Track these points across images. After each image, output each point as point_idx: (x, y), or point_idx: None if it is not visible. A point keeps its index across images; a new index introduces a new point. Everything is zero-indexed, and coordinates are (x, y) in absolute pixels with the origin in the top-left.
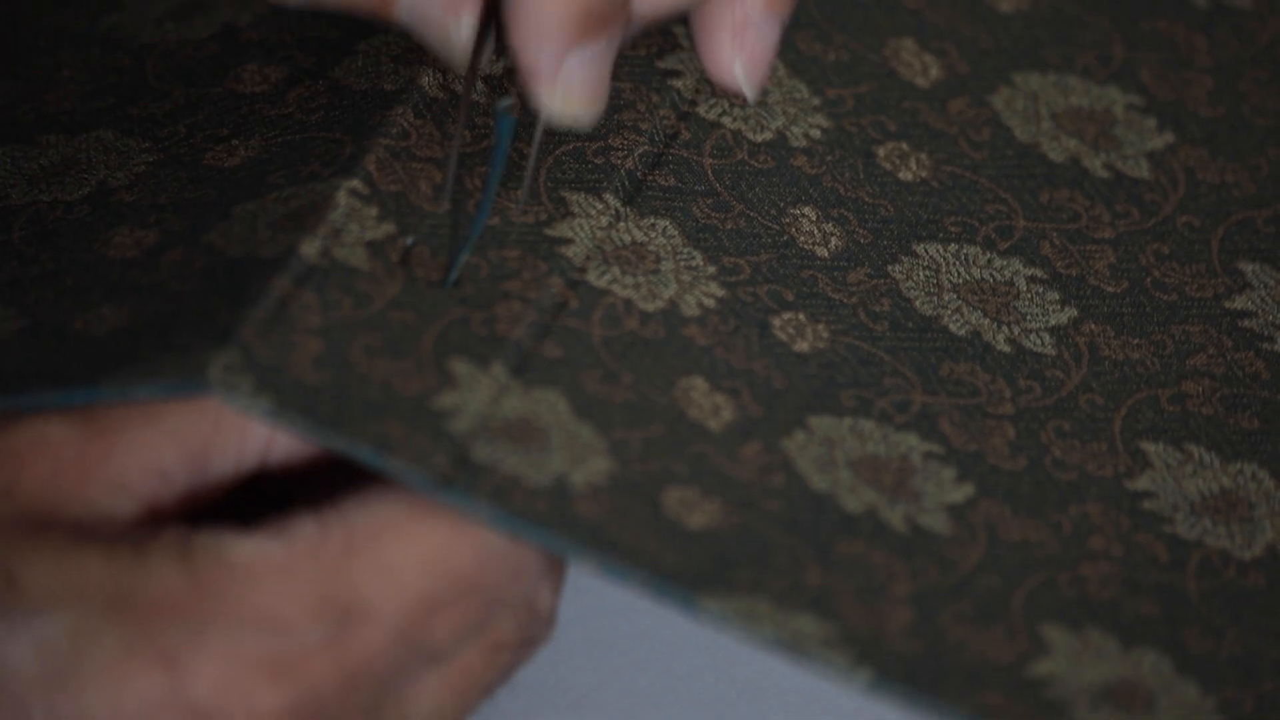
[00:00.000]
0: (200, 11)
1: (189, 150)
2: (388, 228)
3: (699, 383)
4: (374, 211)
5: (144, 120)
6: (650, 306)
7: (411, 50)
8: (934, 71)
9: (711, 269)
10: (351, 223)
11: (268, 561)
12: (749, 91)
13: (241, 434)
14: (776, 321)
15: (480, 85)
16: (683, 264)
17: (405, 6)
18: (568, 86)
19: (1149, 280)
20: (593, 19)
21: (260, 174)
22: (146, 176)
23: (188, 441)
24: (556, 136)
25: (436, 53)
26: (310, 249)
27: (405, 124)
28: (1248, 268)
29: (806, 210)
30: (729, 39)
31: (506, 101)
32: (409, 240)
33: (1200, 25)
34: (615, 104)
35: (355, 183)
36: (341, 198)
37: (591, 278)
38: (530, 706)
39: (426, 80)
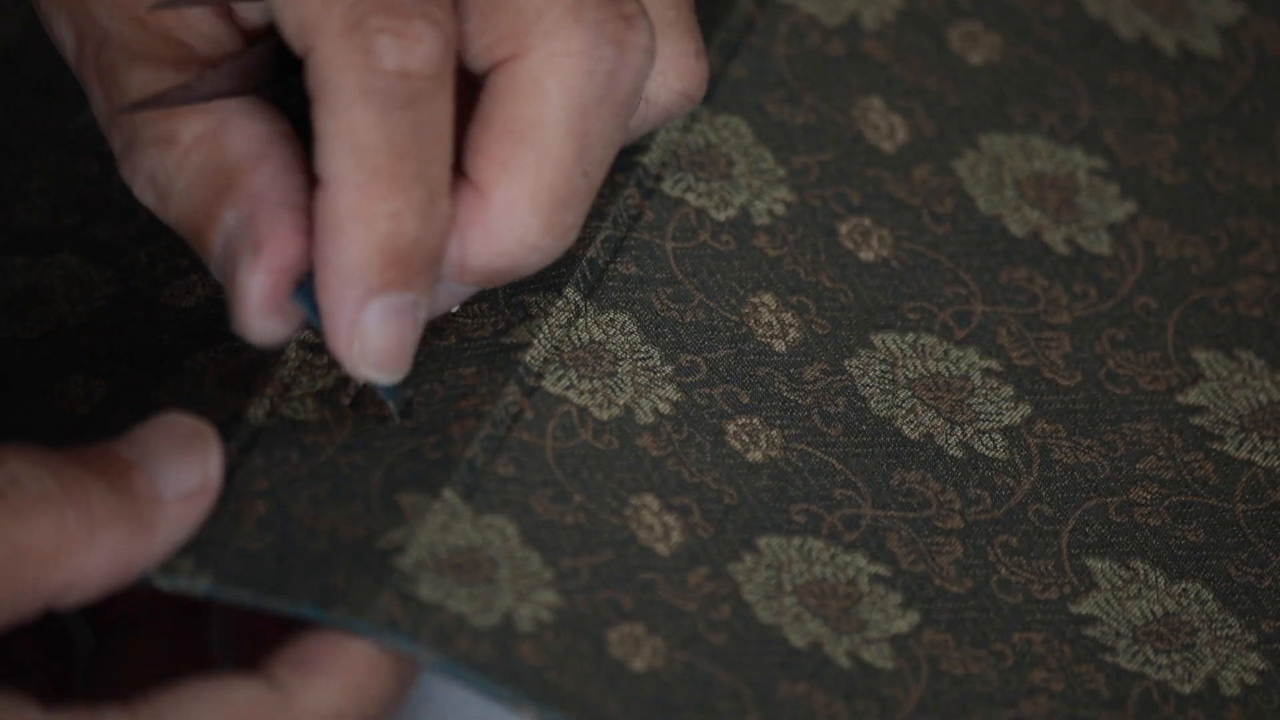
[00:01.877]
0: None
1: (148, 284)
2: (338, 372)
3: (650, 501)
4: (324, 359)
5: (107, 246)
6: (605, 414)
7: None
8: (900, 134)
9: (668, 368)
10: (301, 375)
11: None
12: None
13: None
14: (731, 427)
15: None
16: (640, 364)
17: (219, 246)
18: (364, 341)
19: (1103, 372)
20: (399, 267)
21: (214, 318)
22: (104, 314)
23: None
24: None
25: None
26: (257, 411)
27: None
28: (1201, 356)
29: (766, 298)
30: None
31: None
32: (360, 381)
33: (1168, 77)
34: None
35: (306, 333)
36: (291, 351)
37: (548, 384)
38: None
39: None
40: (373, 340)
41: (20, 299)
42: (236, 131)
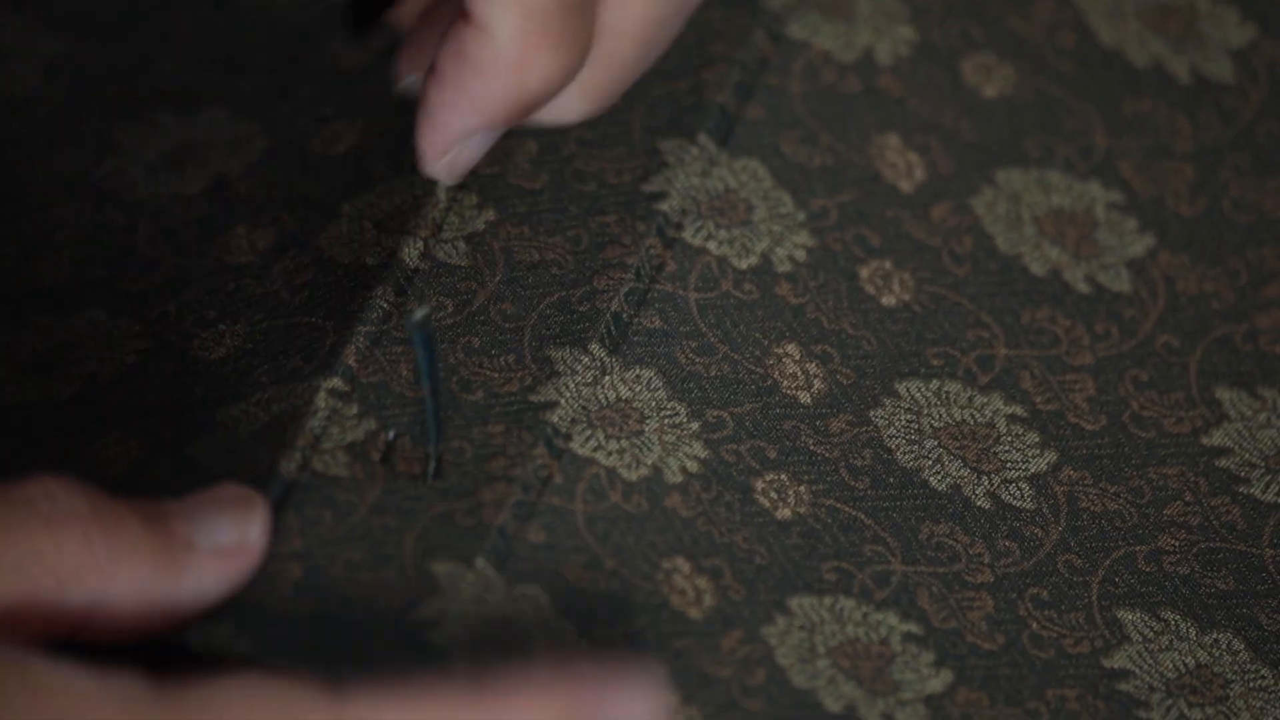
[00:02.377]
0: (192, 159)
1: (178, 336)
2: (368, 425)
3: (681, 564)
4: (354, 410)
5: (134, 297)
6: (634, 475)
7: (394, 215)
8: (918, 173)
9: (695, 425)
10: (331, 426)
11: (70, 688)
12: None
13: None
14: (759, 484)
15: (463, 245)
16: (666, 421)
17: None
18: (455, 159)
19: (1127, 415)
20: (525, 111)
21: (245, 370)
22: (135, 370)
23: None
24: (541, 289)
25: None
26: (289, 465)
27: (386, 304)
28: (1225, 396)
29: (789, 348)
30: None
31: (419, 314)
32: (390, 434)
33: (1183, 105)
34: (600, 241)
35: (335, 381)
36: (321, 400)
37: (576, 445)
38: None
39: (407, 252)
40: (462, 161)
41: (49, 358)
42: None
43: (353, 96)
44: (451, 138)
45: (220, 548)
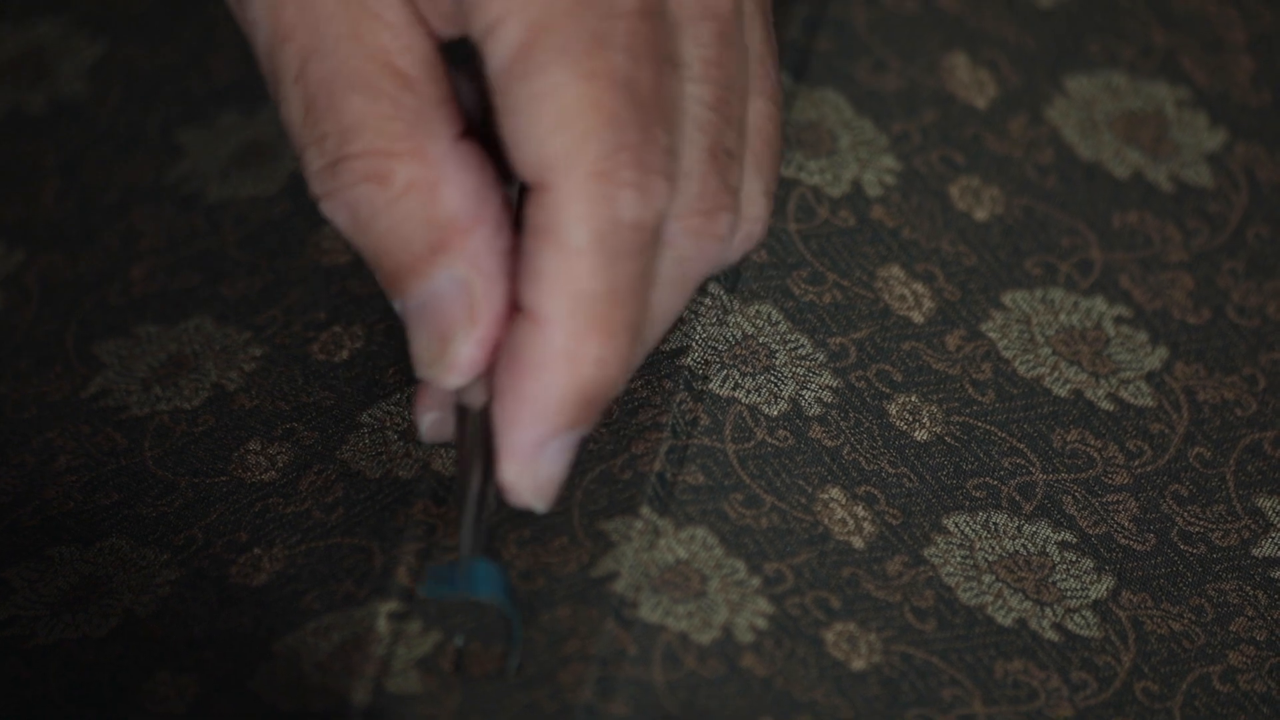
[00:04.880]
0: (185, 372)
1: (211, 563)
2: (434, 636)
3: None
4: (416, 626)
5: (156, 523)
6: (705, 638)
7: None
8: (926, 302)
9: (755, 581)
10: (399, 647)
11: None
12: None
13: None
14: (829, 636)
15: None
16: (728, 579)
17: (417, 293)
18: (538, 472)
19: (1174, 532)
20: (589, 409)
21: (292, 596)
22: (173, 601)
23: None
24: (581, 465)
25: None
26: (363, 694)
27: (428, 520)
28: (1266, 504)
29: (834, 492)
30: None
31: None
32: (459, 642)
33: (1170, 213)
34: (630, 405)
35: (393, 604)
36: (382, 625)
37: (644, 613)
38: None
39: (440, 463)
40: (544, 473)
41: (77, 593)
42: (454, 184)
43: (346, 296)
44: (526, 456)
45: None
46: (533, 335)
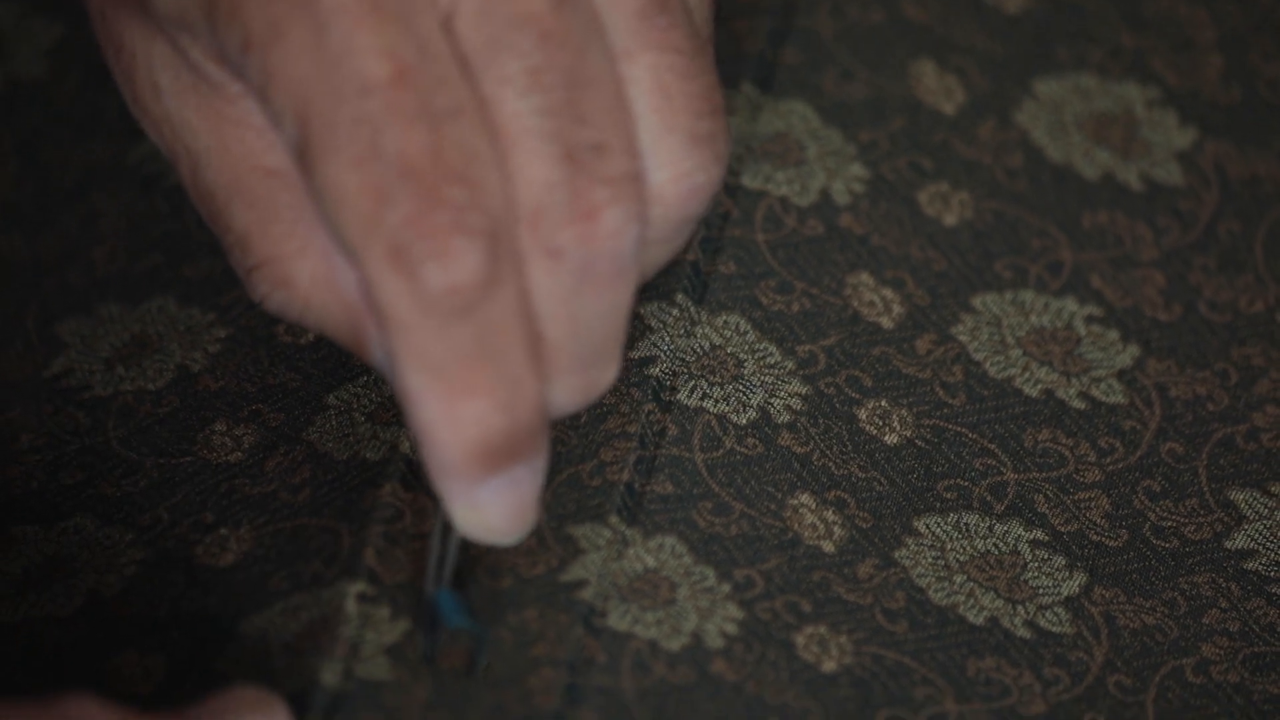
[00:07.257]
0: (149, 353)
1: (177, 544)
2: (402, 625)
3: None
4: (385, 612)
5: (120, 503)
6: (675, 645)
7: (384, 406)
8: (895, 308)
9: (725, 587)
10: (367, 631)
11: None
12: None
13: None
14: (800, 639)
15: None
16: (698, 586)
17: (379, 356)
18: (483, 518)
19: (1147, 527)
20: (496, 457)
21: (260, 577)
22: (139, 581)
23: None
24: (549, 468)
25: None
26: (332, 676)
27: (396, 502)
28: (1238, 497)
29: (804, 498)
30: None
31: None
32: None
33: (1141, 212)
34: (598, 413)
35: (361, 585)
36: (351, 606)
37: (613, 621)
38: None
39: (407, 445)
40: (491, 515)
41: (41, 572)
42: (349, 271)
43: None
44: (461, 501)
45: None
46: (410, 410)
